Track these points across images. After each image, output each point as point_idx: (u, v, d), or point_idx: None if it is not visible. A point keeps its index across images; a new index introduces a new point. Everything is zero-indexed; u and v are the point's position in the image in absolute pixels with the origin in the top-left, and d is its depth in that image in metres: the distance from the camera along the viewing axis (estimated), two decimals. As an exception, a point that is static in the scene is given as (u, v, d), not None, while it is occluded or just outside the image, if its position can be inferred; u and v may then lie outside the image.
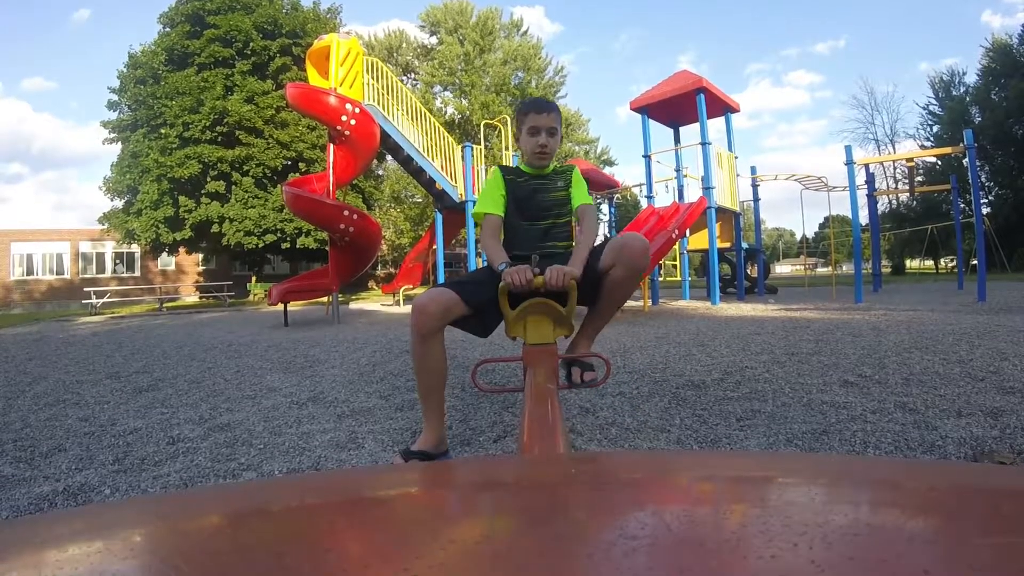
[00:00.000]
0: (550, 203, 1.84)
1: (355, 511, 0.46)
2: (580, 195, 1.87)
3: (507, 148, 12.63)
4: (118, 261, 28.22)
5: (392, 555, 0.33)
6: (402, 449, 1.72)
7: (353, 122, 7.73)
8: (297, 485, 0.65)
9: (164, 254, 22.29)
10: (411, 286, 14.03)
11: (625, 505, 0.45)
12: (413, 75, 30.39)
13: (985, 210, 23.47)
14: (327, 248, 8.50)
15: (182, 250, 21.77)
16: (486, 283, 1.61)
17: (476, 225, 11.01)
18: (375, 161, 19.33)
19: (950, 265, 30.10)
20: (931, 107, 30.23)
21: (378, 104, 9.12)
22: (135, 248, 23.75)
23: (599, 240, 1.85)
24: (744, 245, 10.80)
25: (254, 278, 22.26)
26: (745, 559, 0.29)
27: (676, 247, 9.69)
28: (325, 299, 9.49)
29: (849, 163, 8.53)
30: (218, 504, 0.50)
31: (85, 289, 18.80)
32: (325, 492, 0.52)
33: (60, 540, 0.39)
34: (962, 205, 16.40)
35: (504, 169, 1.90)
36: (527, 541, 0.34)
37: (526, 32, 31.48)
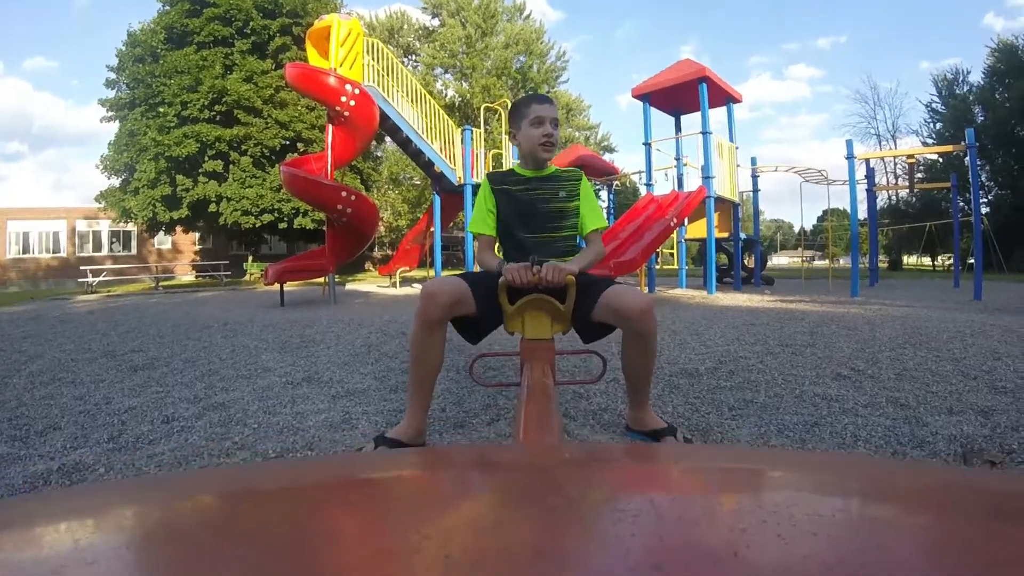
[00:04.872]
0: (552, 214, 1.75)
1: (348, 495, 0.46)
2: (591, 215, 1.77)
3: (506, 132, 12.53)
4: (114, 240, 28.06)
5: (384, 539, 0.33)
6: (376, 435, 1.71)
7: (352, 103, 7.67)
8: (290, 469, 0.65)
9: (161, 233, 22.15)
10: (407, 268, 14.03)
11: (620, 496, 0.45)
12: (414, 57, 30.10)
13: (984, 209, 23.45)
14: (324, 229, 8.47)
15: (179, 229, 21.66)
16: (492, 288, 1.58)
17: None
18: (374, 142, 19.21)
19: (947, 263, 30.12)
20: (934, 104, 30.06)
21: (378, 85, 9.04)
22: (131, 227, 23.61)
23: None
24: (742, 236, 10.79)
25: (251, 258, 22.15)
26: (740, 553, 0.29)
27: (673, 236, 9.68)
28: (322, 280, 9.47)
29: (850, 157, 8.50)
30: (210, 486, 0.50)
31: (81, 267, 18.72)
32: (318, 476, 0.53)
33: (53, 519, 0.39)
34: (961, 204, 16.37)
35: (494, 178, 1.81)
36: (520, 529, 0.34)
37: (528, 16, 31.16)
